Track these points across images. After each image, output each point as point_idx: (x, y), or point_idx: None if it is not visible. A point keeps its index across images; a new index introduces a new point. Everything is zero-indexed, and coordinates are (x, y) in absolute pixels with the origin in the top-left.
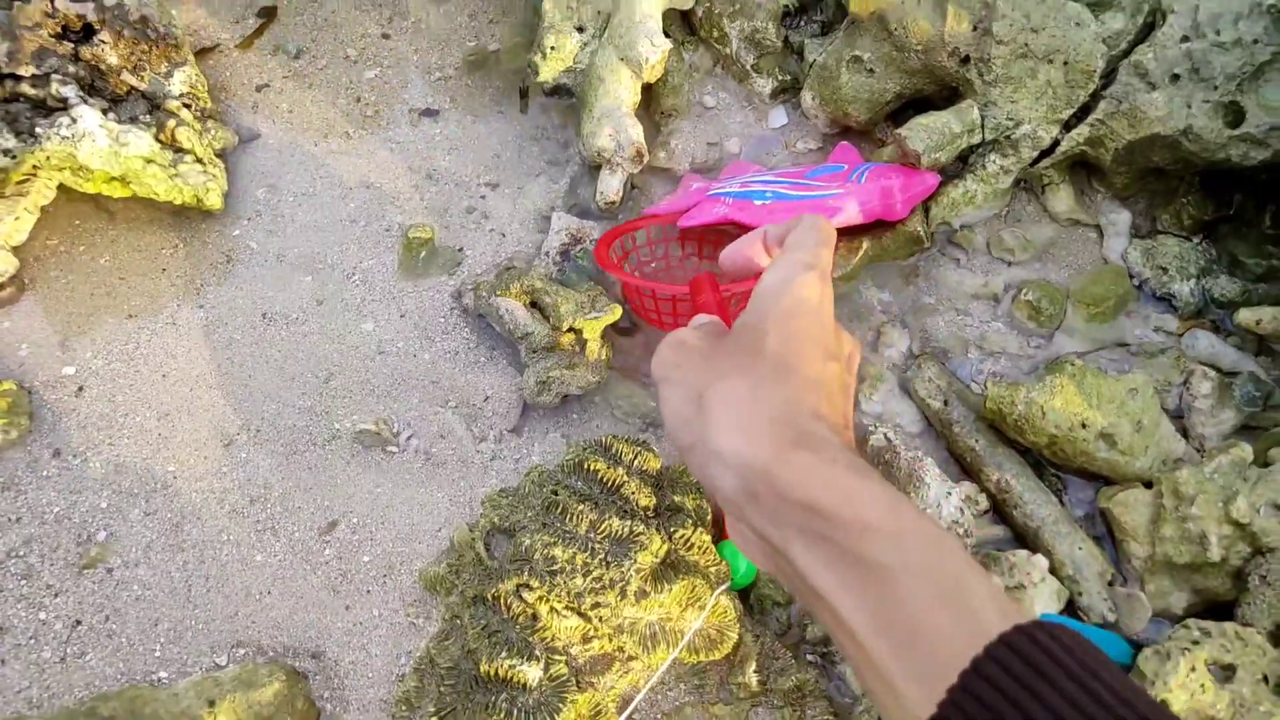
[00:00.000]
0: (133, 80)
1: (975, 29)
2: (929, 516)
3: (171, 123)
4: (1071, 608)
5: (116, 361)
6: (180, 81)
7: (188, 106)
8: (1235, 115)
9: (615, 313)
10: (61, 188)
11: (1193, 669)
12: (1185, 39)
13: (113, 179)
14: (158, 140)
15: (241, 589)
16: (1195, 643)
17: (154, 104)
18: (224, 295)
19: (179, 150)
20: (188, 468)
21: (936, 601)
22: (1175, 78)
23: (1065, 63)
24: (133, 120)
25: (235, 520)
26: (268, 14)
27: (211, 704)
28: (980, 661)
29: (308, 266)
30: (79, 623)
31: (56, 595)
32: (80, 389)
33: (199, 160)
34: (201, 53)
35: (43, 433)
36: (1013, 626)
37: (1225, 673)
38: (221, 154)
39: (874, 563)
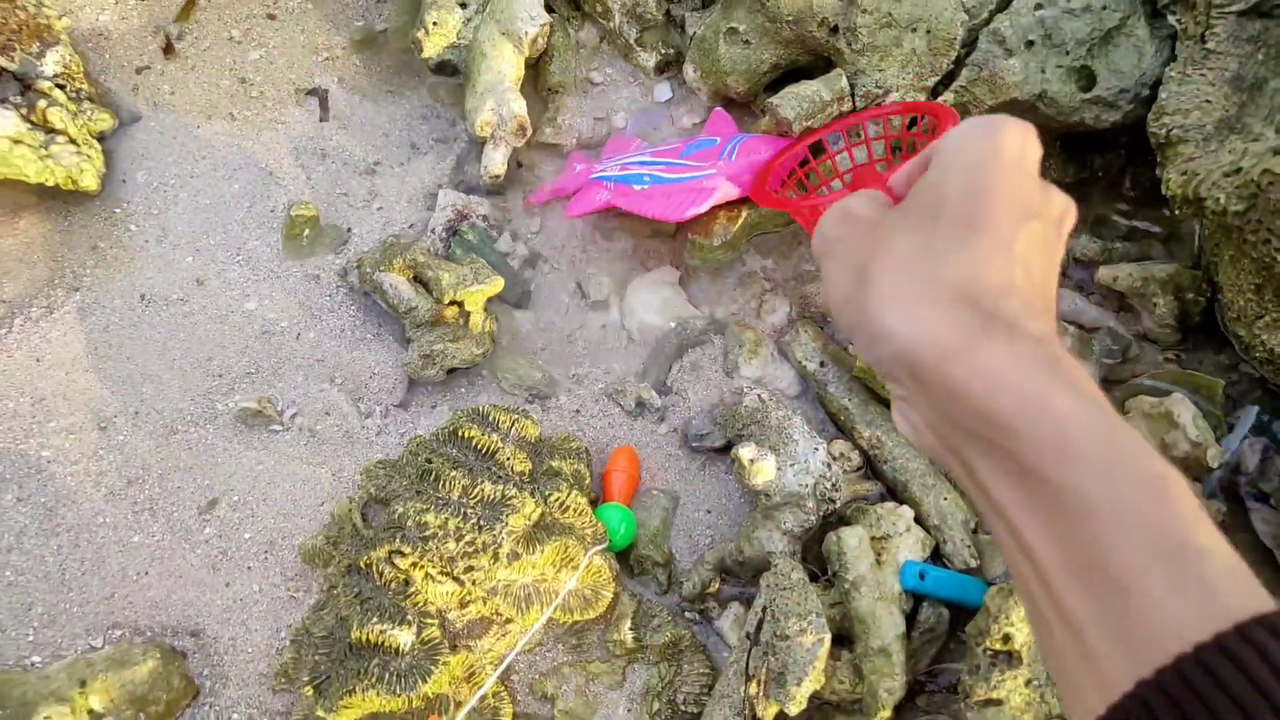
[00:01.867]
0: (2, 61)
1: None
2: (1156, 454)
3: (43, 103)
4: (937, 555)
5: None
6: (53, 62)
7: (61, 87)
8: (1087, 79)
9: (497, 284)
10: None
11: None
12: (1039, 6)
13: None
14: (28, 121)
15: (118, 571)
16: None
17: (25, 85)
18: (100, 278)
19: (51, 131)
20: (62, 452)
21: (1153, 559)
22: (1030, 44)
23: (928, 31)
24: (1, 102)
25: (112, 502)
26: None
27: (83, 684)
28: (1206, 649)
29: (189, 247)
30: None
31: None
32: None
33: (73, 141)
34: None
35: None
36: (1253, 616)
37: None
38: (100, 136)
39: (1073, 493)
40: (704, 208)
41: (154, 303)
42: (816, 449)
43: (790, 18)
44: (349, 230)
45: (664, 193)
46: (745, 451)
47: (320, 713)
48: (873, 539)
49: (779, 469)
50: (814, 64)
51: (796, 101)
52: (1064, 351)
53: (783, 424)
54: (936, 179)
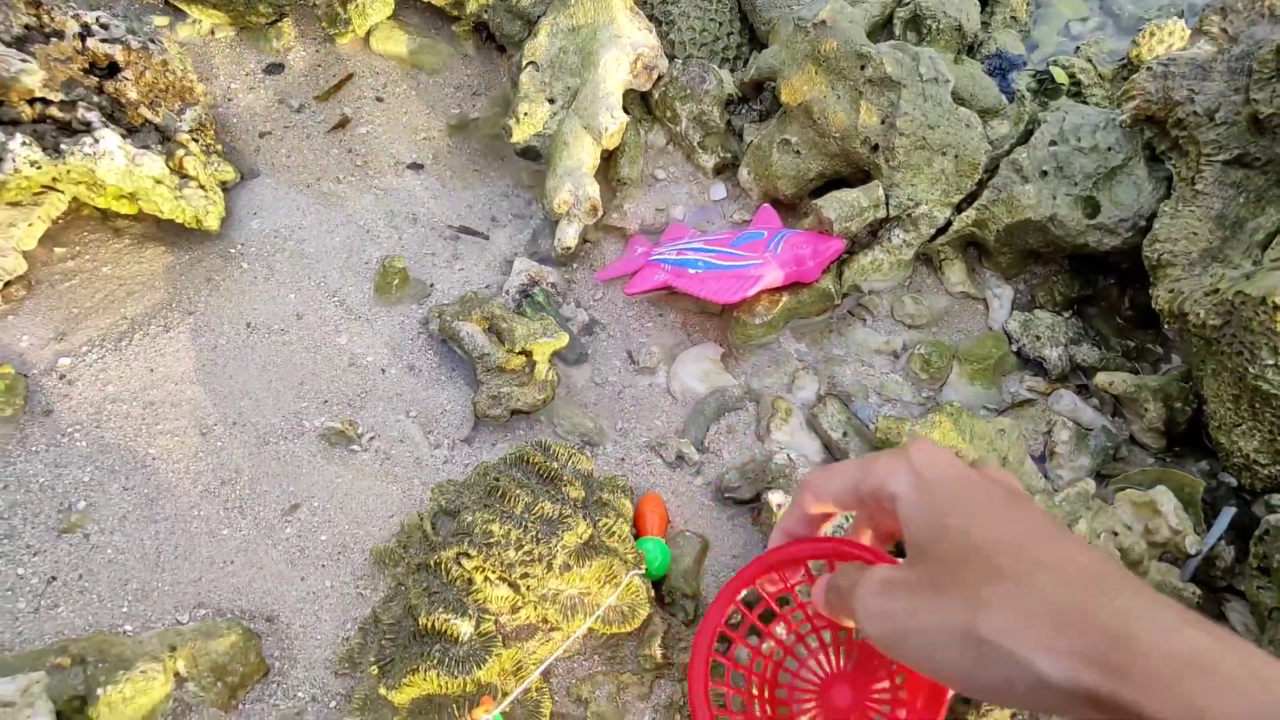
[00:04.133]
0: (148, 114)
1: (883, 122)
2: None
3: (180, 152)
4: None
5: (109, 356)
6: (190, 119)
7: (195, 141)
8: (1092, 208)
9: (563, 339)
10: (71, 205)
11: None
12: (1053, 143)
13: (123, 196)
14: (167, 166)
15: (207, 558)
16: None
17: (165, 136)
18: (213, 305)
19: (185, 176)
20: (166, 451)
21: None
22: (1044, 174)
23: (956, 156)
24: (145, 148)
25: (206, 499)
26: (346, 78)
27: (173, 649)
28: None
29: (292, 286)
30: (54, 579)
31: (35, 554)
32: (72, 378)
33: (202, 186)
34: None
35: (35, 413)
36: None
37: None
38: (223, 186)
39: None
40: (751, 292)
41: (257, 330)
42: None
43: (838, 134)
44: (432, 285)
45: (716, 277)
46: (774, 496)
47: (382, 690)
48: None
49: None
50: (854, 175)
51: (839, 205)
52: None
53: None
54: (937, 537)
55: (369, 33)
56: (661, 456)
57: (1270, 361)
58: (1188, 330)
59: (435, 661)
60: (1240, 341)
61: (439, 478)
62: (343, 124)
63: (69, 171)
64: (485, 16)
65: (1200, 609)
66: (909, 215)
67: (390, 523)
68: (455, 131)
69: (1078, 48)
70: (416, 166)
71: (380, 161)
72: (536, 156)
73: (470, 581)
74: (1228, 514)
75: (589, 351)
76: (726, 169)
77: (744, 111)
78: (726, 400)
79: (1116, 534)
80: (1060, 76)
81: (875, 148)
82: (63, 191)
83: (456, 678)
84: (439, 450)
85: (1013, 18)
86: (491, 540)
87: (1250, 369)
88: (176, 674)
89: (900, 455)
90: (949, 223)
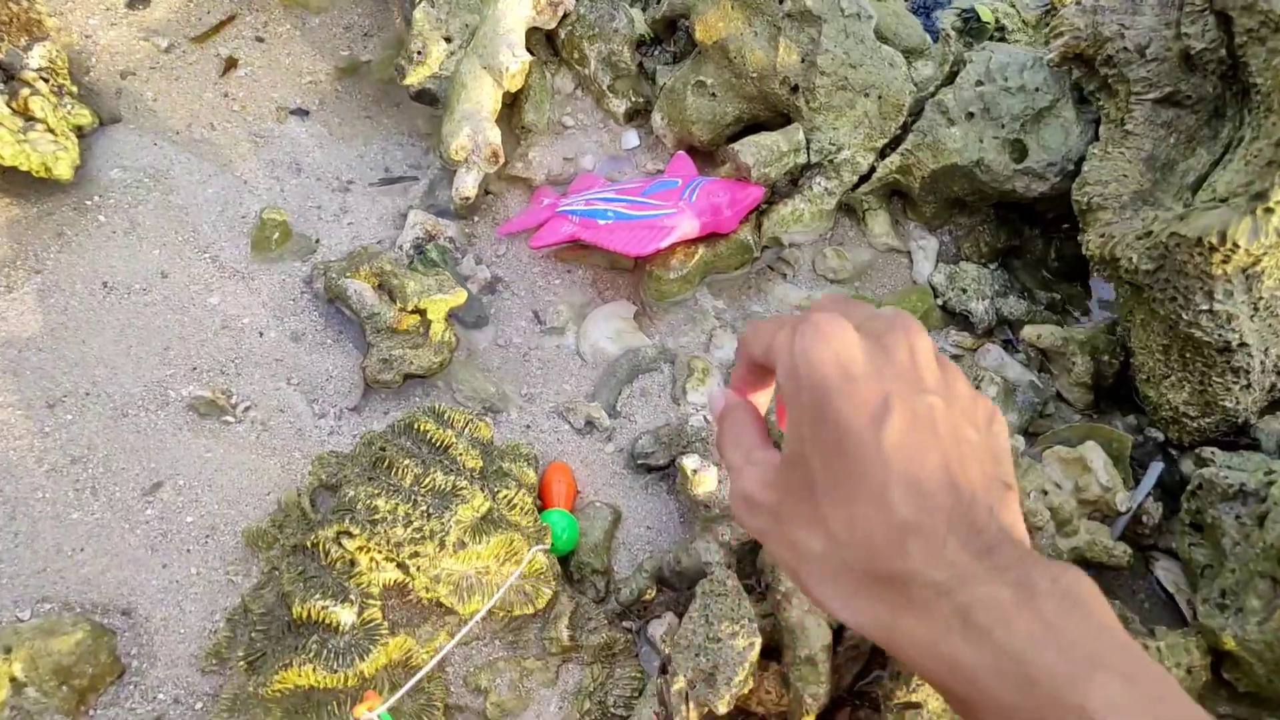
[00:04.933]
0: None
1: (803, 61)
2: (1076, 678)
3: (25, 91)
4: None
5: None
6: (39, 56)
7: (45, 80)
8: (1019, 152)
9: (460, 295)
10: None
11: None
12: (979, 83)
13: None
14: (8, 107)
15: (53, 545)
16: None
17: (9, 74)
18: (64, 262)
19: (31, 119)
20: (7, 426)
21: None
22: (970, 116)
23: (880, 97)
24: None
25: (53, 479)
26: (227, 19)
27: (7, 650)
28: None
29: (156, 241)
30: None
31: None
32: None
33: (51, 131)
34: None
35: None
36: None
37: None
38: (78, 131)
39: None
40: (665, 244)
41: (115, 290)
42: None
43: (755, 74)
44: (317, 240)
45: (627, 228)
46: (689, 462)
47: (252, 689)
48: None
49: (720, 482)
50: (773, 120)
51: (756, 149)
52: (982, 567)
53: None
54: (795, 452)
55: None
56: (570, 423)
57: (1204, 307)
58: (1119, 277)
59: (312, 655)
60: (1174, 286)
61: (324, 450)
62: (231, 66)
63: None
64: None
65: (1130, 569)
66: (830, 161)
67: (267, 500)
68: (344, 75)
69: None
70: (301, 113)
71: (260, 107)
72: (433, 101)
73: (352, 563)
74: (1156, 469)
75: (491, 312)
76: (639, 115)
77: (656, 53)
78: (640, 361)
79: (1046, 492)
80: (986, 15)
81: (795, 89)
82: None
83: (336, 672)
84: (324, 420)
85: None
86: (376, 517)
87: (1184, 315)
88: (13, 679)
89: (788, 339)
90: (872, 169)
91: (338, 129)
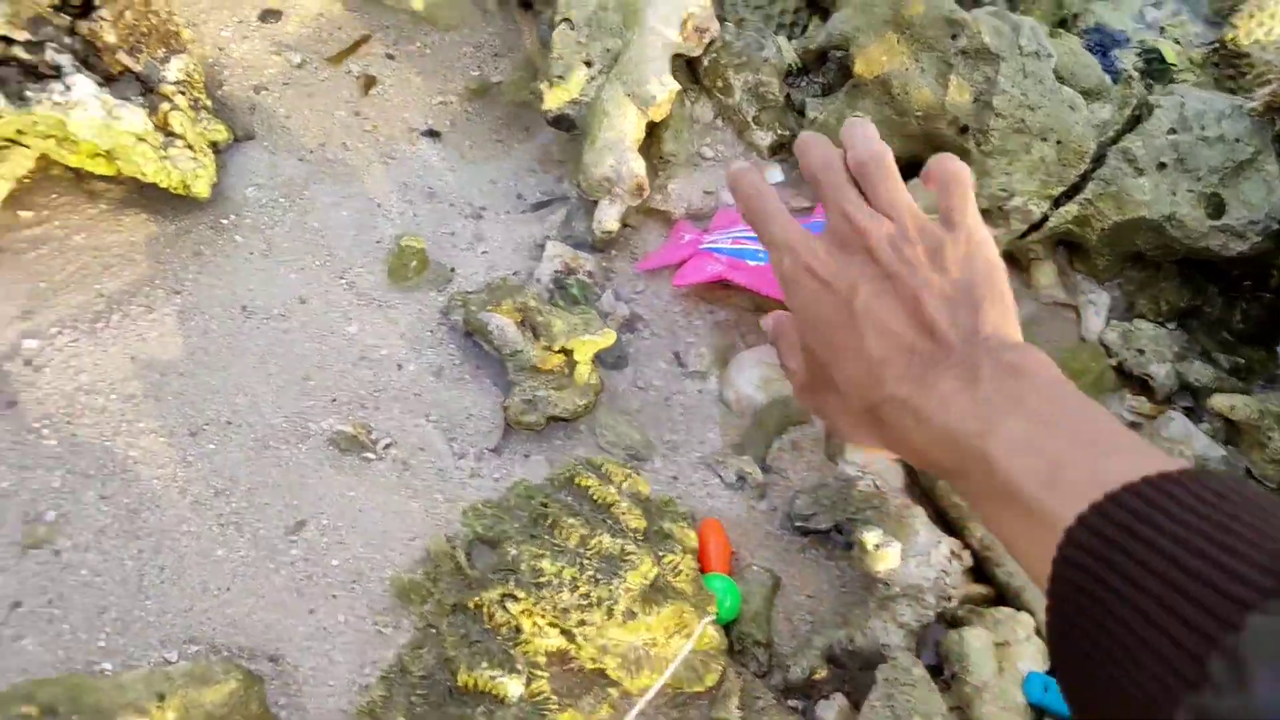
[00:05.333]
0: (128, 61)
1: (976, 100)
2: (1043, 425)
3: (165, 106)
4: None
5: (83, 339)
6: (177, 69)
7: (182, 94)
8: (1216, 207)
9: (609, 337)
10: (39, 163)
11: None
12: (1172, 131)
13: (99, 154)
14: (150, 122)
15: (199, 583)
16: None
17: (148, 87)
18: (203, 283)
19: (170, 134)
20: (150, 454)
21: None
22: (1162, 166)
23: (1059, 141)
24: (125, 100)
25: (197, 512)
26: (362, 39)
27: (161, 698)
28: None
29: (293, 265)
30: (19, 604)
31: None
32: (39, 364)
33: (190, 147)
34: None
35: None
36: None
37: None
38: (214, 148)
39: (1011, 505)
40: None
41: (254, 314)
42: (939, 543)
43: (920, 113)
44: (453, 270)
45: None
46: (870, 535)
47: None
48: (994, 644)
49: (902, 558)
50: None
51: (923, 195)
52: (937, 372)
53: (903, 513)
54: (806, 347)
55: None
56: (720, 476)
57: None
58: None
59: None
60: None
61: (465, 493)
62: (370, 84)
63: (35, 123)
64: None
65: None
66: (1000, 208)
67: (412, 546)
68: (475, 96)
69: (1163, 29)
70: (433, 134)
71: (392, 127)
72: (571, 127)
73: (518, 629)
74: None
75: (630, 351)
76: (784, 149)
77: (805, 85)
78: (791, 412)
79: None
80: (1171, 56)
81: (965, 129)
82: (29, 147)
83: None
84: (464, 461)
85: None
86: (542, 580)
87: None
88: None
89: (777, 262)
90: (1045, 218)
91: (469, 152)
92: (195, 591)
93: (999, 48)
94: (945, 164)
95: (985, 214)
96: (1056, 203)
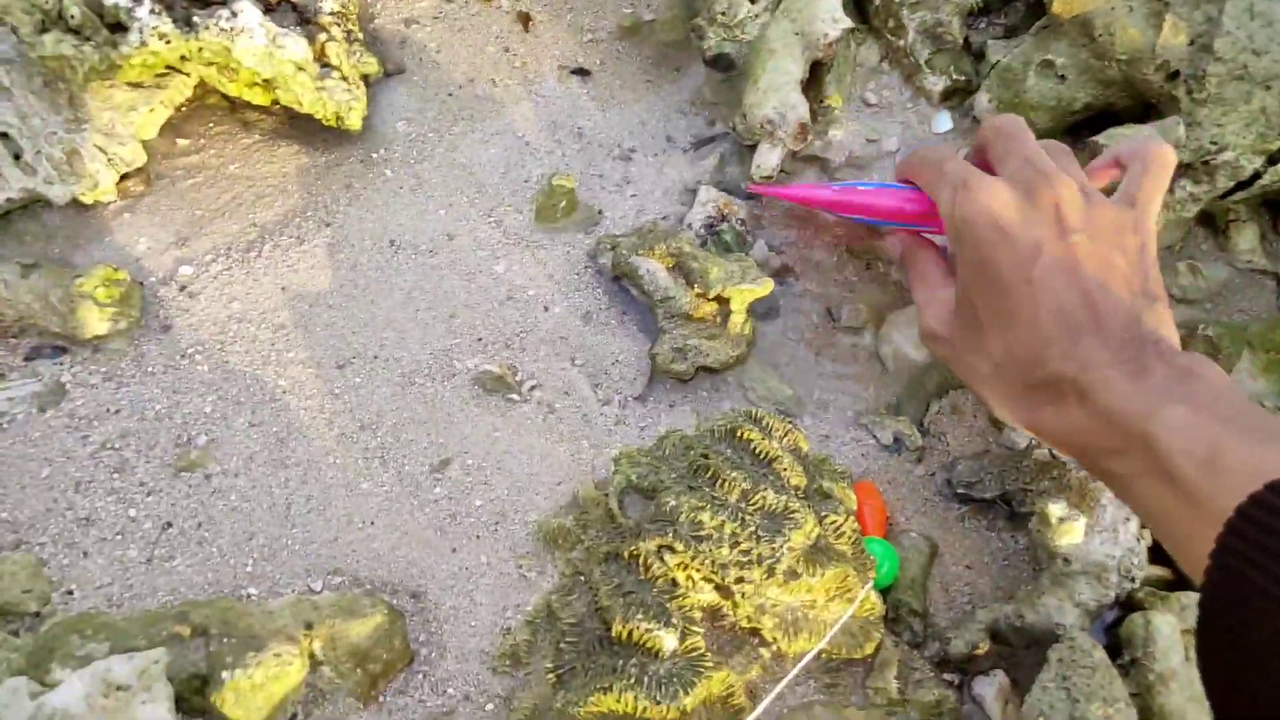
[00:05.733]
0: None
1: (1192, 43)
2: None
3: (322, 37)
4: None
5: (236, 268)
6: (333, 0)
7: (338, 25)
8: None
9: (767, 285)
10: (196, 91)
11: None
12: None
13: (257, 83)
14: (310, 51)
15: (343, 515)
16: None
17: (304, 18)
18: (353, 216)
19: (326, 65)
20: (299, 384)
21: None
22: None
23: None
24: (285, 29)
25: (343, 445)
26: None
27: (309, 627)
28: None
29: (442, 201)
30: (169, 525)
31: (149, 494)
32: (194, 290)
33: (344, 78)
34: None
35: (152, 328)
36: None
37: None
38: (365, 80)
39: (1171, 486)
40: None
41: (403, 249)
42: (1128, 519)
43: (1124, 56)
44: (600, 212)
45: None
46: (1055, 508)
47: (560, 705)
48: (1181, 630)
49: (1086, 533)
50: (1129, 108)
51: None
52: (1107, 357)
53: (1087, 486)
54: (963, 295)
55: None
56: (876, 436)
57: None
58: None
59: (632, 680)
60: None
61: (610, 440)
62: (526, 21)
63: (201, 49)
64: None
65: None
66: (1206, 163)
67: (557, 491)
68: (626, 34)
69: None
70: (582, 72)
71: (541, 64)
72: (730, 66)
73: (674, 582)
74: None
75: (780, 303)
76: (955, 94)
77: (986, 26)
78: (952, 375)
79: None
80: None
81: (1175, 75)
82: (188, 74)
83: (660, 703)
84: (609, 408)
85: None
86: (701, 533)
87: None
88: (312, 655)
89: (950, 201)
90: (1257, 175)
91: (619, 92)
92: (340, 523)
93: None
94: (1155, 147)
95: (1188, 168)
96: (1272, 159)
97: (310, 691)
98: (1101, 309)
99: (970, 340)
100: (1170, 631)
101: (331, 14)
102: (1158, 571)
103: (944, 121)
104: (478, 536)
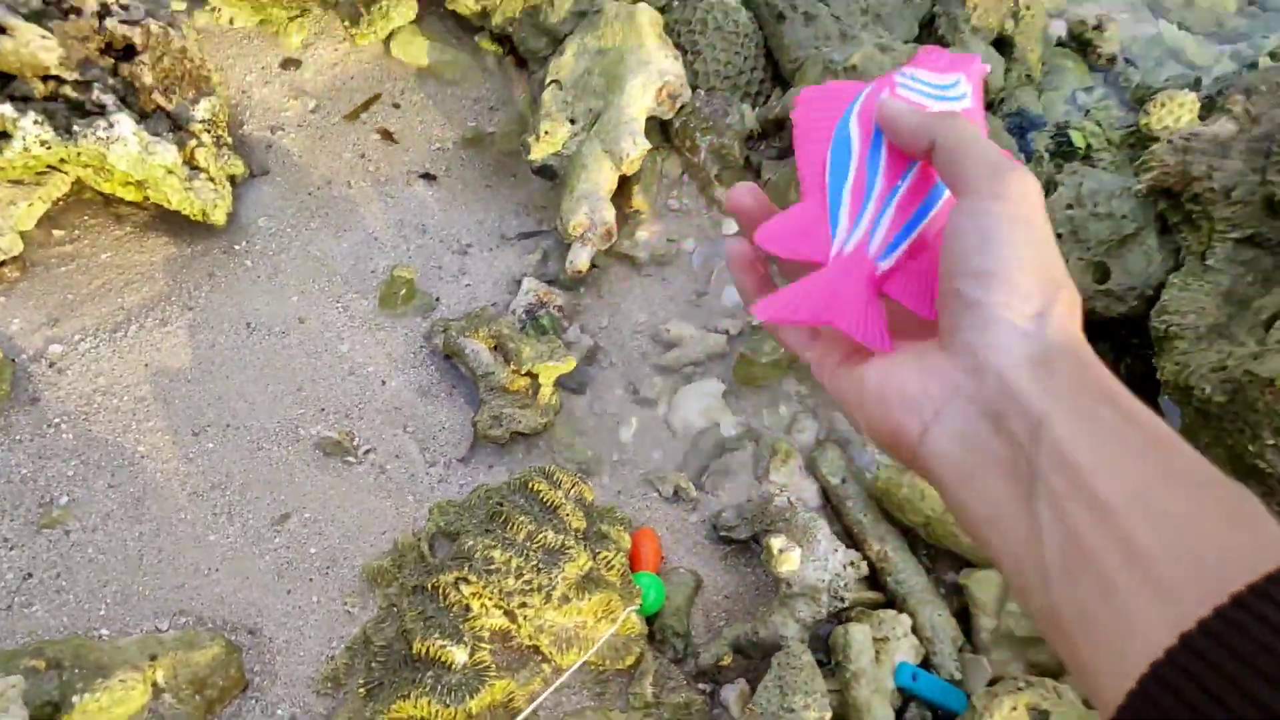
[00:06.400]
0: (162, 100)
1: None
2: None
3: (192, 143)
4: (926, 664)
5: (103, 346)
6: (205, 109)
7: (208, 132)
8: (1102, 273)
9: (570, 363)
10: (73, 187)
11: (1014, 708)
12: (1069, 206)
13: (130, 183)
14: (179, 156)
15: (191, 564)
16: (1020, 689)
17: (177, 124)
18: (214, 302)
19: (195, 168)
20: (156, 450)
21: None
22: (1059, 236)
23: None
24: (158, 136)
25: (194, 502)
26: (373, 97)
27: (153, 658)
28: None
29: (296, 288)
30: (30, 575)
31: (12, 549)
32: (62, 367)
33: (211, 179)
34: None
35: (21, 401)
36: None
37: (1040, 716)
38: (231, 180)
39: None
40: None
41: (257, 331)
42: (836, 550)
43: None
44: (437, 299)
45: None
46: (776, 541)
47: (368, 714)
48: (874, 639)
49: (802, 562)
50: None
51: None
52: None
53: (808, 525)
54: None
55: (390, 36)
56: (659, 491)
57: (1271, 442)
58: (1189, 403)
59: (427, 689)
60: (1243, 419)
61: (434, 496)
62: (387, 136)
63: (79, 154)
64: (510, 30)
65: None
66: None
67: (382, 539)
68: (470, 144)
69: (1087, 111)
70: (429, 177)
71: (393, 168)
72: (553, 176)
73: (468, 608)
74: None
75: (591, 379)
76: None
77: (763, 149)
78: (725, 438)
79: None
80: (1079, 139)
81: None
82: (67, 173)
83: (449, 706)
84: (434, 468)
85: (1028, 75)
86: (492, 567)
87: (1250, 447)
88: (154, 684)
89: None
90: None
91: (460, 194)
92: (188, 571)
93: None
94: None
95: None
96: None
97: (152, 715)
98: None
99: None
100: (863, 639)
101: (202, 122)
102: (873, 595)
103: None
104: (310, 579)
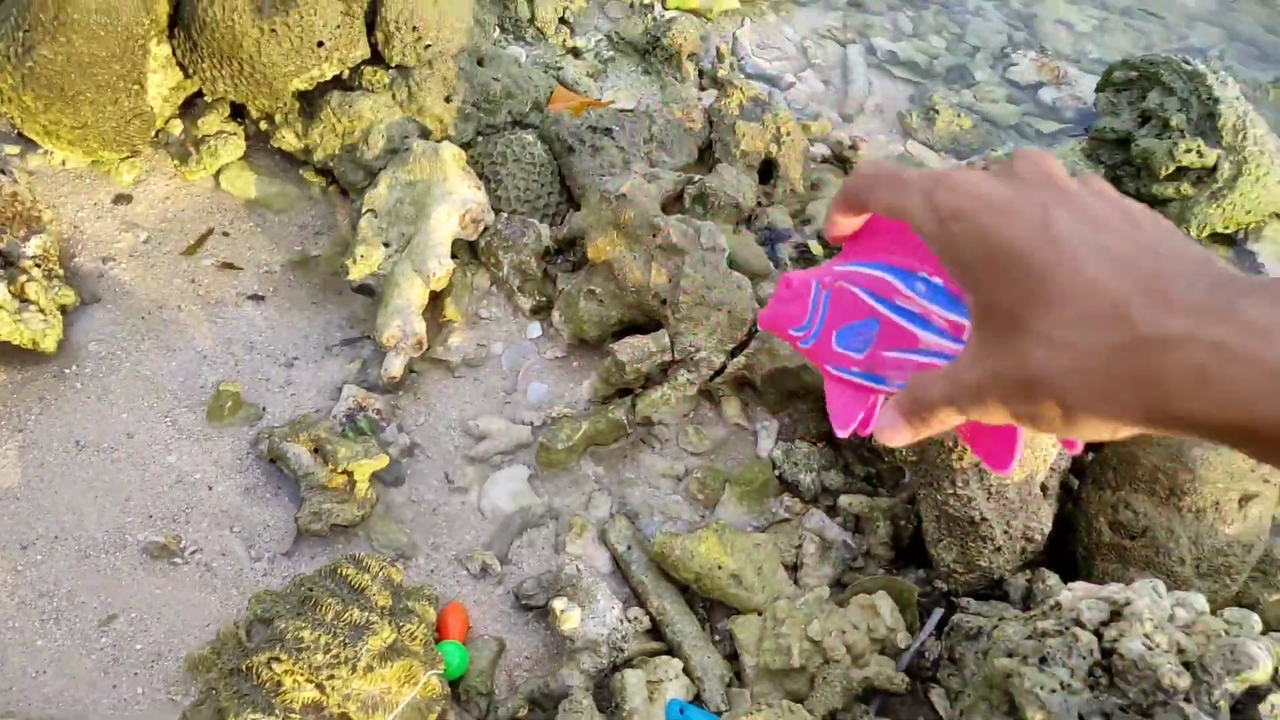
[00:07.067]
0: None
1: (670, 281)
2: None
3: (22, 278)
4: (698, 699)
5: None
6: (35, 245)
7: (38, 266)
8: None
9: (382, 460)
10: None
11: None
12: None
13: None
14: (8, 291)
15: (19, 668)
16: (759, 710)
17: (8, 261)
18: (44, 423)
19: (25, 300)
20: None
21: None
22: None
23: (729, 312)
24: None
25: (22, 611)
26: (206, 233)
27: None
28: None
29: (125, 406)
30: None
31: None
32: None
33: (41, 310)
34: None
35: None
36: None
37: None
38: (63, 309)
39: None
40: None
41: (86, 448)
42: (613, 607)
43: (634, 289)
44: (264, 409)
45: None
46: (558, 603)
47: None
48: (649, 682)
49: (583, 620)
50: (648, 323)
51: (632, 350)
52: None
53: (591, 588)
54: (981, 303)
55: (219, 171)
56: (467, 568)
57: (950, 490)
58: (897, 462)
59: None
60: (929, 474)
61: (258, 588)
62: (229, 267)
63: None
64: (331, 165)
65: (911, 694)
66: (691, 359)
67: (207, 631)
68: (297, 266)
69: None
70: (257, 298)
71: (223, 291)
72: (371, 293)
73: (279, 684)
74: (936, 615)
75: (408, 472)
76: (542, 310)
77: (559, 261)
78: (530, 518)
79: (845, 631)
80: (816, 250)
81: (664, 301)
82: None
83: None
84: (259, 564)
85: (792, 191)
86: (302, 645)
87: (938, 495)
88: None
89: (925, 203)
90: (724, 366)
91: (288, 312)
92: (15, 675)
93: (684, 244)
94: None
95: (682, 363)
96: (731, 354)
97: None
98: (1161, 252)
99: (1016, 347)
100: (636, 682)
101: (33, 258)
102: (655, 645)
103: (535, 330)
104: (136, 674)
